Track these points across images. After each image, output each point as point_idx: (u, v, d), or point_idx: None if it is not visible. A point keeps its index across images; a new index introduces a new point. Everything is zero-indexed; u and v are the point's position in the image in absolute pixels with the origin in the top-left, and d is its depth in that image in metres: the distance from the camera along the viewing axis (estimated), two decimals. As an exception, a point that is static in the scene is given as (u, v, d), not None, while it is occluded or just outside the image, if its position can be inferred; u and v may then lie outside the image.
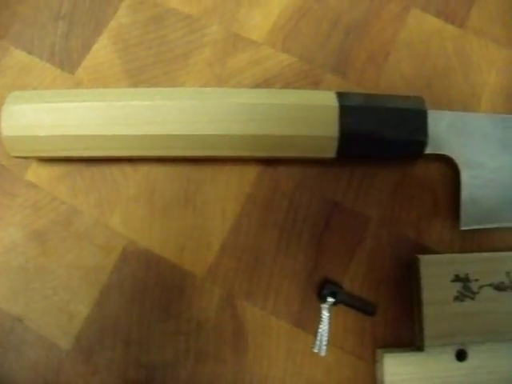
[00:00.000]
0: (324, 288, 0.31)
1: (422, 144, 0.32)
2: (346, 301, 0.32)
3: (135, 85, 0.35)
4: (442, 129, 0.33)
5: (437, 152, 0.33)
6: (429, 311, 0.31)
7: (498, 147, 0.34)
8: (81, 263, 0.33)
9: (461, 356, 0.31)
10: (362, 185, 0.34)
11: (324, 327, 0.31)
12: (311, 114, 0.31)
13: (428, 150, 0.33)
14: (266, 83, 0.35)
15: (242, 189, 0.33)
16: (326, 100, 0.32)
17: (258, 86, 0.35)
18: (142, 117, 0.31)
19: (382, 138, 0.32)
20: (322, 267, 0.33)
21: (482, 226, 0.33)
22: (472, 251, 0.34)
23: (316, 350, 0.31)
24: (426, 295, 0.31)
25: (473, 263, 0.32)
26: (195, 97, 0.32)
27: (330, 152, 0.32)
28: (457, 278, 0.32)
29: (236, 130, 0.31)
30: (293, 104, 0.32)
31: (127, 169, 0.34)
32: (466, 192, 0.33)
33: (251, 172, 0.34)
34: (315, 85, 0.35)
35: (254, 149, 0.32)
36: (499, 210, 0.34)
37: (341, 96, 0.32)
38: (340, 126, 0.31)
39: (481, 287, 0.32)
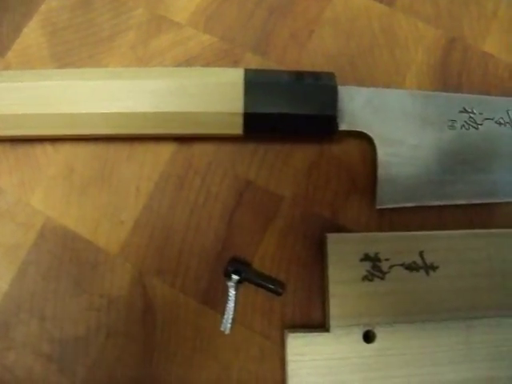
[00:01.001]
0: (228, 265, 0.29)
1: (332, 119, 0.29)
2: (252, 279, 0.29)
3: (61, 67, 0.33)
4: (358, 105, 0.30)
5: (352, 129, 0.30)
6: (335, 290, 0.28)
7: (418, 124, 0.31)
8: (1, 241, 0.31)
9: (368, 337, 0.28)
10: (276, 163, 0.31)
11: (230, 305, 0.29)
12: (216, 90, 0.29)
13: (343, 127, 0.30)
14: (186, 63, 0.33)
15: (156, 167, 0.31)
16: (232, 77, 0.29)
17: (178, 66, 0.33)
18: (57, 96, 0.30)
19: (290, 114, 0.29)
20: (232, 245, 0.30)
21: (398, 205, 0.30)
22: (390, 231, 0.30)
23: (222, 329, 0.29)
24: (333, 274, 0.28)
25: (384, 242, 0.29)
26: (105, 76, 0.30)
27: (237, 129, 0.29)
28: (366, 257, 0.28)
29: (144, 107, 0.29)
30: (199, 81, 0.29)
31: (49, 149, 0.32)
32: (382, 170, 0.30)
33: (165, 151, 0.31)
34: (235, 64, 0.32)
35: (162, 126, 0.29)
36: (418, 189, 0.30)
37: (248, 73, 0.29)
38: (245, 102, 0.29)
39: (391, 267, 0.28)
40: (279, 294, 0.29)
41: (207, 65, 0.33)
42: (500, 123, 0.32)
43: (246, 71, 0.30)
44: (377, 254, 0.29)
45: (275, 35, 0.33)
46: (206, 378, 0.29)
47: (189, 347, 0.29)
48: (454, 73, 0.34)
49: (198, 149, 0.31)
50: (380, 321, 0.28)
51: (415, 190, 0.31)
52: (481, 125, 0.32)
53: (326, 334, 0.28)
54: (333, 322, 0.28)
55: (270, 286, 0.29)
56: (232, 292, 0.29)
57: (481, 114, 0.32)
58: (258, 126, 0.29)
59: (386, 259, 0.29)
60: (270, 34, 0.33)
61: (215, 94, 0.29)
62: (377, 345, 0.28)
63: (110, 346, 0.30)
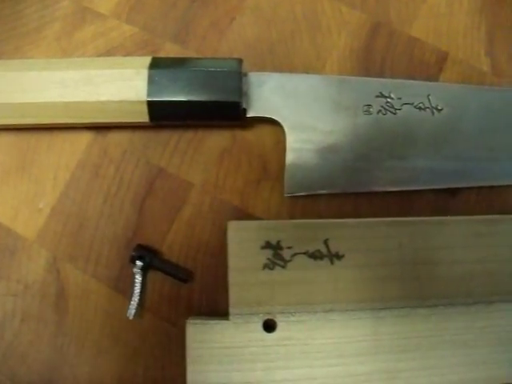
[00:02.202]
0: (133, 251, 0.27)
1: (237, 106, 0.27)
2: (157, 265, 0.27)
3: (-10, 60, 0.32)
4: (268, 91, 0.28)
5: (261, 115, 0.27)
6: (234, 278, 0.26)
7: (332, 109, 0.28)
8: None
9: (269, 326, 0.26)
10: (188, 150, 0.29)
11: (135, 291, 0.27)
12: (121, 79, 0.27)
13: (251, 113, 0.27)
14: (107, 54, 0.31)
15: (73, 156, 0.29)
16: (137, 66, 0.27)
17: (99, 56, 0.31)
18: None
19: (194, 101, 0.26)
20: (143, 233, 0.28)
21: (308, 193, 0.27)
22: (301, 219, 0.28)
23: (128, 314, 0.27)
24: (233, 262, 0.26)
25: (287, 230, 0.26)
26: (17, 68, 0.28)
27: (143, 117, 0.27)
28: (267, 245, 0.26)
29: (53, 98, 0.27)
30: (105, 71, 0.27)
31: (-24, 138, 0.31)
32: (291, 156, 0.27)
33: (82, 140, 0.29)
34: (154, 53, 0.30)
35: (72, 116, 0.27)
36: (330, 176, 0.28)
37: (154, 61, 0.27)
38: (148, 90, 0.26)
39: (294, 255, 0.26)
40: (185, 282, 0.27)
41: (127, 55, 0.30)
42: (420, 108, 0.29)
43: (153, 60, 0.27)
44: (279, 241, 0.26)
45: (195, 24, 0.31)
46: (114, 363, 0.27)
47: (98, 333, 0.27)
48: (377, 58, 0.30)
49: (113, 138, 0.29)
50: (281, 310, 0.25)
51: (327, 177, 0.28)
52: (399, 110, 0.28)
53: (225, 322, 0.25)
54: (232, 310, 0.25)
55: (175, 273, 0.27)
56: (138, 278, 0.27)
57: (399, 98, 0.29)
58: (164, 113, 0.27)
59: (289, 247, 0.26)
60: (191, 22, 0.31)
61: (120, 82, 0.27)
62: (277, 334, 0.25)
63: (25, 330, 0.28)
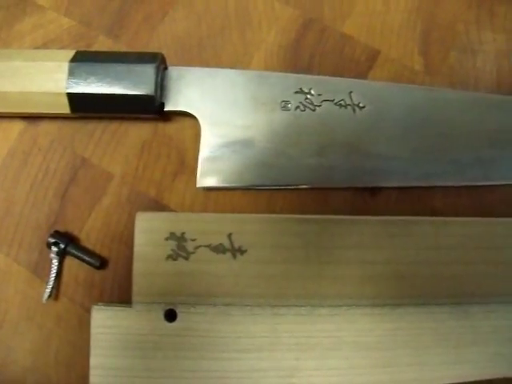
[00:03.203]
0: (49, 237, 0.27)
1: (152, 99, 0.26)
2: (71, 251, 0.26)
3: None
4: (186, 85, 0.27)
5: (178, 109, 0.26)
6: (138, 267, 0.25)
7: (249, 105, 0.26)
8: None
9: (170, 316, 0.25)
10: (111, 142, 0.28)
11: (51, 275, 0.26)
12: (44, 71, 0.26)
13: (169, 107, 0.26)
14: (44, 46, 0.30)
15: (5, 144, 0.28)
16: (59, 58, 0.26)
17: (36, 48, 0.30)
18: None
19: (111, 94, 0.26)
20: (64, 220, 0.27)
21: (220, 186, 0.26)
22: (214, 212, 0.27)
23: (43, 298, 0.27)
24: (138, 251, 0.25)
25: (192, 222, 0.25)
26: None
27: (65, 108, 0.26)
28: (172, 237, 0.25)
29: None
30: (29, 63, 0.26)
31: None
32: (205, 150, 0.26)
33: (15, 129, 0.29)
34: (88, 47, 0.29)
35: (1, 106, 0.27)
36: (244, 171, 0.26)
37: (77, 55, 0.26)
38: (68, 83, 0.26)
39: (197, 247, 0.25)
40: (98, 268, 0.26)
41: (63, 47, 0.30)
42: (341, 105, 0.27)
43: (76, 53, 0.26)
44: (183, 233, 0.25)
45: (129, 18, 0.30)
46: (28, 345, 0.27)
47: (16, 315, 0.27)
48: (306, 54, 0.29)
49: (43, 127, 0.28)
50: (182, 301, 0.24)
51: (241, 171, 0.26)
52: (318, 106, 0.27)
53: (128, 309, 0.24)
54: (135, 299, 0.24)
55: (89, 259, 0.27)
56: (54, 263, 0.27)
57: (320, 95, 0.27)
58: (83, 105, 0.26)
59: (193, 239, 0.25)
60: (125, 17, 0.30)
61: (43, 75, 0.26)
62: (177, 324, 0.24)
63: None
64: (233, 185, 0.26)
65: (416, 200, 0.27)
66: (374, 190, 0.27)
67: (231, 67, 0.28)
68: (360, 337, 0.24)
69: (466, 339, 0.25)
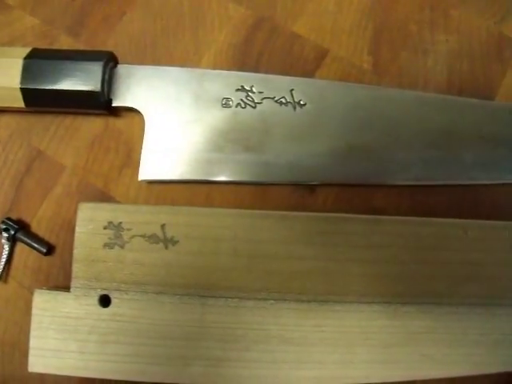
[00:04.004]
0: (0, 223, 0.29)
1: (98, 95, 0.27)
2: (20, 237, 0.28)
3: None
4: (133, 83, 0.28)
5: (125, 105, 0.28)
6: (77, 254, 0.26)
7: (192, 101, 0.27)
8: None
9: (105, 302, 0.26)
10: (65, 136, 0.29)
11: (1, 260, 0.28)
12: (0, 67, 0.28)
13: (116, 103, 0.28)
14: (9, 44, 0.31)
15: None
16: (15, 55, 0.28)
17: (2, 46, 0.32)
18: None
19: (61, 90, 0.27)
20: (18, 208, 0.29)
21: (161, 179, 0.27)
22: (156, 204, 0.28)
23: (-7, 281, 0.29)
24: (78, 238, 0.26)
25: (129, 213, 0.26)
26: None
27: (19, 103, 0.28)
28: (109, 226, 0.26)
29: None
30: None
31: None
32: (148, 144, 0.27)
33: None
34: (50, 45, 0.31)
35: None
36: (184, 165, 0.27)
37: (32, 52, 0.28)
38: (22, 78, 0.27)
39: (132, 237, 0.26)
40: (44, 254, 0.28)
41: (26, 45, 0.31)
42: (281, 103, 0.27)
43: (31, 51, 0.28)
44: (120, 223, 0.26)
45: (90, 18, 0.31)
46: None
47: None
48: (254, 53, 0.29)
49: (4, 120, 0.30)
50: (116, 287, 0.25)
51: (181, 166, 0.27)
52: (259, 104, 0.28)
53: (67, 293, 0.26)
54: (74, 284, 0.26)
55: (35, 245, 0.28)
56: (5, 248, 0.29)
57: (261, 92, 0.28)
58: (36, 100, 0.28)
59: (128, 229, 0.26)
60: (86, 17, 0.31)
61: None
62: (111, 310, 0.25)
63: None
64: (173, 178, 0.27)
65: (356, 198, 0.27)
66: (313, 187, 0.27)
67: (182, 66, 0.29)
68: (286, 331, 0.25)
69: (396, 339, 0.25)
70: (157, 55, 0.30)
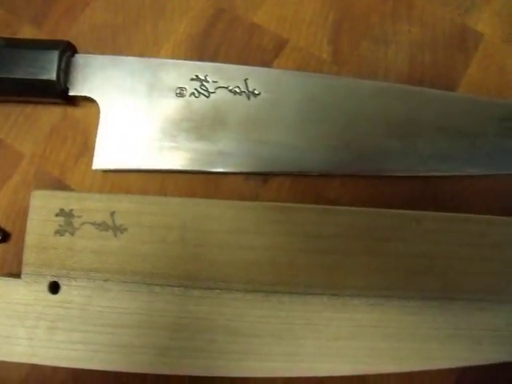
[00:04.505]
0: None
1: (53, 84, 0.27)
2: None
3: None
4: (90, 72, 0.28)
5: (81, 94, 0.28)
6: (29, 241, 0.26)
7: (146, 92, 0.28)
8: None
9: (54, 288, 0.26)
10: (25, 124, 0.30)
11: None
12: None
13: (73, 92, 0.28)
14: None
15: None
16: None
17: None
18: None
19: (17, 78, 0.27)
20: None
21: (115, 167, 0.27)
22: (109, 192, 0.28)
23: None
24: (30, 225, 0.26)
25: (80, 200, 0.26)
26: None
27: None
28: (61, 213, 0.26)
29: None
30: None
31: None
32: (102, 133, 0.27)
33: None
34: (13, 34, 0.31)
35: None
36: (137, 154, 0.27)
37: None
38: None
39: (82, 224, 0.26)
40: (2, 242, 0.29)
41: None
42: (235, 92, 0.27)
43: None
44: (71, 210, 0.26)
45: (53, 8, 0.32)
46: None
47: None
48: (213, 43, 0.30)
49: None
50: (65, 274, 0.25)
51: (135, 154, 0.27)
52: (213, 93, 0.28)
53: (17, 280, 0.26)
54: (24, 270, 0.26)
55: (-7, 233, 0.29)
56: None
57: (215, 82, 0.28)
58: None
59: (79, 216, 0.26)
60: (49, 7, 0.32)
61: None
62: (60, 297, 0.25)
63: None
64: (127, 168, 0.27)
65: (310, 189, 0.27)
66: (266, 177, 0.27)
67: (141, 56, 0.29)
68: (232, 321, 0.25)
69: (343, 332, 0.25)
70: (117, 46, 0.30)
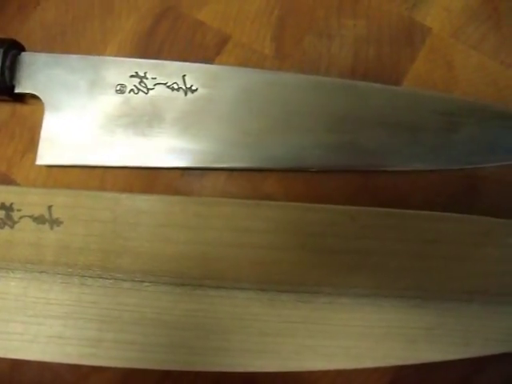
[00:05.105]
0: None
1: (-4, 82, 0.29)
2: None
3: None
4: (34, 70, 0.29)
5: (26, 91, 0.29)
6: None
7: (87, 88, 0.28)
8: None
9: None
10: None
11: None
12: None
13: (18, 90, 0.29)
14: None
15: None
16: None
17: None
18: None
19: None
20: None
21: (57, 163, 0.28)
22: (52, 187, 0.29)
23: None
24: None
25: (21, 194, 0.27)
26: None
27: None
28: (2, 207, 0.27)
29: None
30: None
31: None
32: (46, 130, 0.28)
33: None
34: None
35: None
36: (78, 150, 0.28)
37: None
38: None
39: (21, 217, 0.27)
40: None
41: None
42: (173, 88, 0.28)
43: None
44: (12, 204, 0.27)
45: (5, 7, 0.33)
46: None
47: None
48: (157, 41, 0.30)
49: None
50: (5, 266, 0.26)
51: (76, 150, 0.28)
52: (152, 89, 0.28)
53: None
54: None
55: None
56: None
57: (154, 78, 0.28)
58: None
59: (19, 210, 0.27)
60: (1, 5, 0.33)
61: None
62: None
63: None
64: (68, 163, 0.28)
65: (246, 183, 0.28)
66: (202, 172, 0.28)
67: (88, 54, 0.30)
68: (160, 314, 0.25)
69: (271, 328, 0.25)
70: (66, 44, 0.31)
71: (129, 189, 0.28)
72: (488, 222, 0.27)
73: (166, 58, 0.30)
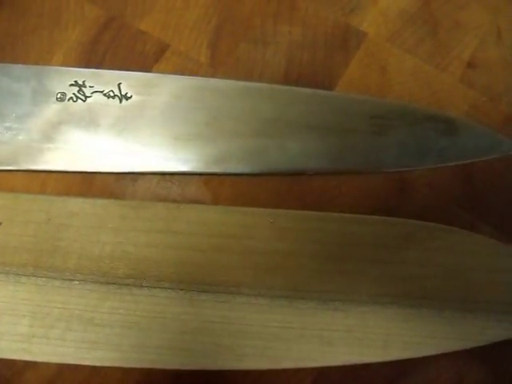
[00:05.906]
0: None
1: None
2: None
3: None
4: (-16, 80, 0.32)
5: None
6: None
7: (30, 96, 0.31)
8: None
9: None
10: None
11: None
12: None
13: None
14: None
15: None
16: None
17: None
18: None
19: None
20: None
21: (2, 168, 0.31)
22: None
23: None
24: None
25: None
26: None
27: None
28: None
29: None
30: None
31: None
32: (-8, 137, 0.31)
33: None
34: None
35: None
36: (19, 155, 0.30)
37: None
38: None
39: None
40: None
41: None
42: (109, 96, 0.30)
43: None
44: None
45: None
46: None
47: None
48: (100, 50, 0.32)
49: None
50: None
51: (18, 155, 0.30)
52: (89, 97, 0.30)
53: None
54: None
55: None
56: None
57: (91, 86, 0.30)
58: None
59: None
60: None
61: None
62: None
63: None
64: (11, 168, 0.31)
65: (176, 187, 0.29)
66: (136, 176, 0.30)
67: (35, 63, 0.33)
68: (86, 312, 0.27)
69: (190, 327, 0.27)
70: (15, 54, 0.33)
71: (68, 192, 0.30)
72: (411, 224, 0.27)
73: (108, 67, 0.32)
